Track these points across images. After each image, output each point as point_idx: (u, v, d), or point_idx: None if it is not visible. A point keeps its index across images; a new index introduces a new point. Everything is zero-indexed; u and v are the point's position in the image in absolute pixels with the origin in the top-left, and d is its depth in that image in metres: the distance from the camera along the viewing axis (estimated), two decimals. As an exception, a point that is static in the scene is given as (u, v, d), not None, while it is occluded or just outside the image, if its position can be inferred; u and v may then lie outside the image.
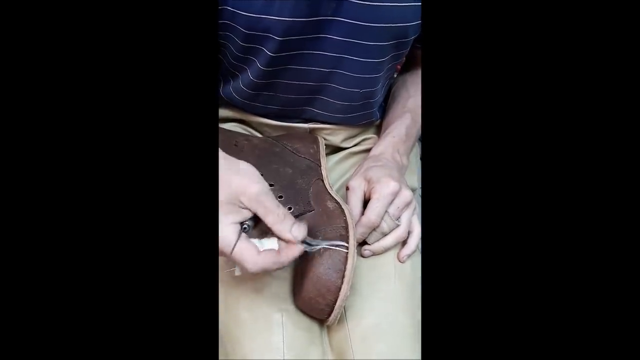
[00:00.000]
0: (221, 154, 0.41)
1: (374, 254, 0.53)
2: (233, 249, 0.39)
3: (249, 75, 0.57)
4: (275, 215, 0.41)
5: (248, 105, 0.62)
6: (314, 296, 0.46)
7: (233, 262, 0.41)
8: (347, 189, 0.55)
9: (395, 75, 0.70)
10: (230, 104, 0.64)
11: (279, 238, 0.42)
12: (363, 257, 0.53)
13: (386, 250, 0.53)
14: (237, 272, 0.44)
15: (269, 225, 0.41)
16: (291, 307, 0.50)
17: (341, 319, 0.50)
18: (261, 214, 0.41)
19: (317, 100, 0.60)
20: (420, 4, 0.51)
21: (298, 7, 0.49)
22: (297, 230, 0.41)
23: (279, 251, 0.41)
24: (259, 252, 0.40)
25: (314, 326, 0.50)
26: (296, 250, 0.41)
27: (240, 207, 0.40)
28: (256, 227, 0.43)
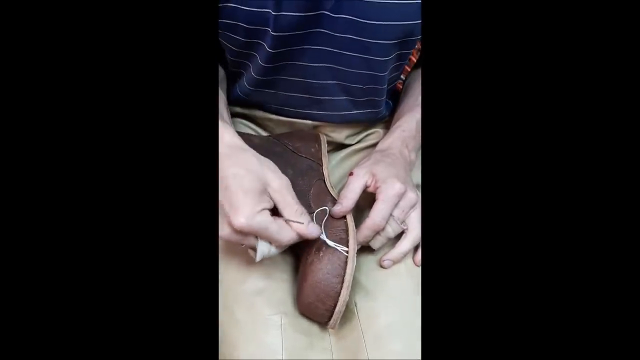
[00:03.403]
0: (250, 151, 0.46)
1: (394, 262, 0.52)
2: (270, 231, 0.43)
3: (251, 71, 0.57)
4: (294, 210, 0.45)
5: (252, 101, 0.63)
6: (314, 301, 0.47)
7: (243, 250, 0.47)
8: (351, 174, 0.54)
9: (403, 77, 0.69)
10: (233, 100, 0.64)
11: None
12: (383, 267, 0.52)
13: (405, 255, 0.52)
14: (259, 257, 0.45)
15: (286, 217, 0.45)
16: (290, 310, 0.49)
17: (353, 319, 0.50)
18: (281, 206, 0.45)
19: (318, 100, 0.60)
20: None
21: (297, 2, 0.49)
22: (313, 227, 0.46)
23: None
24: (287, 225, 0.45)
25: (314, 328, 0.50)
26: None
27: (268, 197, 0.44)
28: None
